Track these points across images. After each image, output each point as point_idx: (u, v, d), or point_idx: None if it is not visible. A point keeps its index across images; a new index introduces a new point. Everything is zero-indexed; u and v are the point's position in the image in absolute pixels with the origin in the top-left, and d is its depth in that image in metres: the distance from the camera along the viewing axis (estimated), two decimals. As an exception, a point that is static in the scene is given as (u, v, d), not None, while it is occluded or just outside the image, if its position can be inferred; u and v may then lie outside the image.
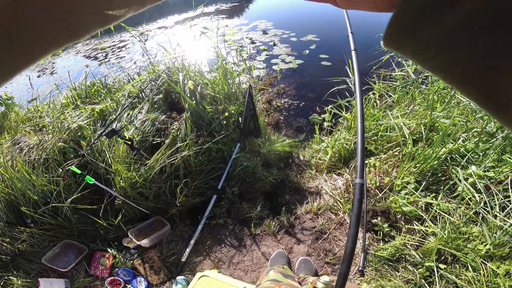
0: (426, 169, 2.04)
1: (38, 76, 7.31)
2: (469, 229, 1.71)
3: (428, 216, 1.86)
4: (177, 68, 2.80)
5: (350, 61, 2.73)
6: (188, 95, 2.44)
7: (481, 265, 1.58)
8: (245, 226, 2.37)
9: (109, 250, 2.25)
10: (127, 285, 2.07)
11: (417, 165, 2.07)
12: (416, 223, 1.93)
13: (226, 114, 2.50)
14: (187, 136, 2.34)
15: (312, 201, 2.47)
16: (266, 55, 5.36)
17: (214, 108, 2.54)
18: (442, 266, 1.68)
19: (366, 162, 2.41)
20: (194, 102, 2.41)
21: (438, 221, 1.83)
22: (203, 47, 3.00)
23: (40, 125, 2.72)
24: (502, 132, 2.01)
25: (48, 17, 0.19)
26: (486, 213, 1.70)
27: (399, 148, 2.27)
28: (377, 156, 2.41)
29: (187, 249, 2.14)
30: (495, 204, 1.70)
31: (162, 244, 2.27)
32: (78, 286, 2.08)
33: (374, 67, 3.89)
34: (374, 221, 2.05)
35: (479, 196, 1.77)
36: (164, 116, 2.55)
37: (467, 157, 1.95)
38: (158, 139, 2.43)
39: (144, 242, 2.16)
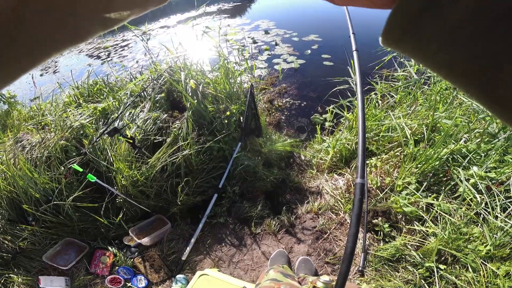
0: (427, 169, 2.04)
1: (41, 75, 7.34)
2: (470, 230, 1.70)
3: (429, 216, 1.86)
4: (179, 67, 2.81)
5: (352, 61, 2.73)
6: (190, 94, 2.45)
7: (481, 266, 1.58)
8: (245, 225, 2.37)
9: (109, 248, 2.26)
10: (127, 283, 2.08)
11: (419, 165, 2.07)
12: (417, 223, 1.92)
13: (228, 113, 2.51)
14: (188, 135, 2.34)
15: (313, 200, 2.47)
16: (268, 54, 5.36)
17: (215, 107, 2.54)
18: (442, 266, 1.68)
19: (367, 162, 2.40)
20: (196, 101, 2.42)
21: (439, 221, 1.83)
22: (205, 46, 3.00)
23: (42, 123, 2.74)
24: (504, 133, 2.00)
25: (49, 18, 0.19)
26: (487, 214, 1.70)
27: (400, 148, 2.27)
28: (379, 157, 2.41)
29: (188, 248, 2.14)
30: (496, 205, 1.69)
31: (163, 242, 2.28)
32: (78, 284, 2.09)
33: (376, 67, 3.89)
34: (374, 221, 2.04)
35: (480, 197, 1.77)
36: (165, 115, 2.56)
37: (468, 157, 1.94)
38: (160, 137, 2.44)
39: (145, 241, 2.16)
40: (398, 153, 2.28)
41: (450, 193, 1.96)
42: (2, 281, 2.04)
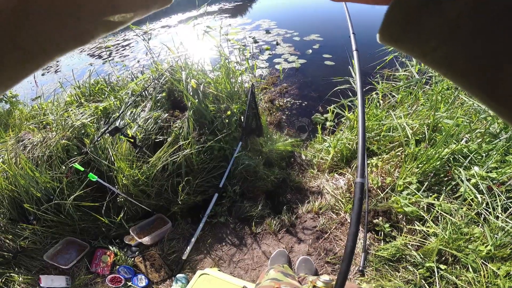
0: (428, 169, 2.03)
1: (43, 74, 7.35)
2: (471, 230, 1.70)
3: (430, 216, 1.85)
4: (180, 66, 2.81)
5: (352, 61, 2.70)
6: (191, 93, 2.45)
7: (482, 266, 1.57)
8: (246, 225, 2.37)
9: (110, 247, 2.26)
10: (127, 283, 2.08)
11: (420, 165, 2.07)
12: (418, 223, 1.92)
13: (229, 113, 2.51)
14: (189, 135, 2.34)
15: (314, 200, 2.47)
16: (269, 54, 5.36)
17: (216, 106, 2.54)
18: (442, 266, 1.68)
19: (368, 162, 2.40)
20: (197, 100, 2.42)
21: (440, 221, 1.82)
22: (206, 46, 3.00)
23: (44, 122, 2.74)
24: (505, 133, 1.99)
25: (51, 21, 0.18)
26: (488, 214, 1.69)
27: (401, 148, 2.27)
28: (380, 156, 2.40)
29: (188, 247, 2.14)
30: (497, 205, 1.69)
31: (163, 242, 2.28)
32: (79, 283, 2.09)
33: (378, 67, 3.88)
34: (375, 221, 2.04)
35: (481, 197, 1.76)
36: (166, 114, 2.56)
37: (470, 157, 1.94)
38: (161, 137, 2.44)
39: (146, 240, 2.17)
40: (399, 153, 2.28)
41: (451, 193, 1.96)
42: (3, 280, 2.04)
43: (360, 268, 1.89)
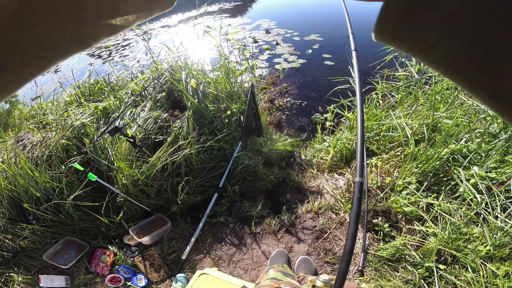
0: (428, 169, 2.04)
1: (42, 74, 7.34)
2: (470, 230, 1.70)
3: (429, 216, 1.86)
4: (180, 66, 2.81)
5: (352, 61, 2.69)
6: (191, 93, 2.45)
7: (481, 266, 1.57)
8: (245, 225, 2.37)
9: (110, 247, 2.26)
10: (127, 283, 2.08)
11: (419, 165, 2.07)
12: (417, 223, 1.92)
13: (228, 112, 2.51)
14: (189, 134, 2.34)
15: (313, 200, 2.47)
16: (269, 54, 5.35)
17: (216, 106, 2.54)
18: (441, 266, 1.68)
19: (368, 162, 2.40)
20: (197, 100, 2.42)
21: (439, 221, 1.83)
22: (206, 46, 3.00)
23: (43, 122, 2.74)
24: (505, 133, 2.00)
25: (54, 24, 0.18)
26: (487, 214, 1.70)
27: (401, 148, 2.27)
28: (379, 156, 2.41)
29: (188, 247, 2.14)
30: (497, 205, 1.69)
31: (163, 241, 2.28)
32: (78, 283, 2.09)
33: (378, 67, 3.88)
34: (374, 221, 2.04)
35: (480, 197, 1.76)
36: (166, 114, 2.56)
37: (469, 157, 1.94)
38: (160, 137, 2.44)
39: (145, 240, 2.17)
40: (398, 153, 2.28)
41: (451, 193, 1.96)
42: (2, 280, 2.04)
43: (360, 268, 1.90)
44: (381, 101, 2.99)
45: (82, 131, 2.52)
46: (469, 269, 1.60)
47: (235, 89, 2.89)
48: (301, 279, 1.46)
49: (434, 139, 2.17)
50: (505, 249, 1.57)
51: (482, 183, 1.78)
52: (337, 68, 4.43)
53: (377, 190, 2.20)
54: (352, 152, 2.61)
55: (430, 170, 2.03)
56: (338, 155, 2.69)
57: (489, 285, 1.51)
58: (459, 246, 1.67)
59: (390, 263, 1.86)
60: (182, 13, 10.19)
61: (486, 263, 1.57)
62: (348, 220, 2.23)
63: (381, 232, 2.02)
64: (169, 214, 2.41)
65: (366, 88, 3.39)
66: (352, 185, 2.35)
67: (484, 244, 1.62)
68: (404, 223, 1.99)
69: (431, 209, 1.88)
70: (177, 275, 2.03)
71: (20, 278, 2.06)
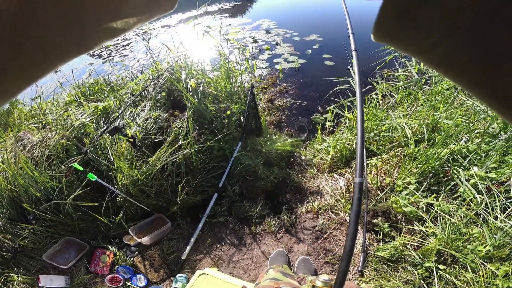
0: (427, 169, 2.04)
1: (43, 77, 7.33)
2: (470, 230, 1.70)
3: (429, 216, 1.86)
4: (180, 66, 2.81)
5: (352, 61, 2.68)
6: (191, 93, 2.45)
7: (481, 266, 1.57)
8: (245, 225, 2.37)
9: (109, 247, 2.26)
10: (127, 283, 2.08)
11: (419, 165, 2.07)
12: (417, 223, 1.92)
13: (228, 112, 2.51)
14: (189, 134, 2.34)
15: (313, 200, 2.47)
16: (269, 54, 5.35)
17: (216, 106, 2.54)
18: (441, 267, 1.68)
19: (368, 162, 2.40)
20: (196, 100, 2.42)
21: (439, 221, 1.83)
22: (206, 46, 3.00)
23: (43, 122, 2.74)
24: (505, 133, 2.00)
25: (54, 26, 0.18)
26: (487, 214, 1.70)
27: (401, 148, 2.27)
28: (379, 157, 2.41)
29: (187, 247, 2.14)
30: (496, 206, 1.69)
31: (163, 241, 2.28)
32: (78, 283, 2.09)
33: (378, 67, 3.88)
34: (374, 221, 2.04)
35: (480, 197, 1.76)
36: (166, 114, 2.56)
37: (469, 158, 1.94)
38: (160, 137, 2.44)
39: (145, 240, 2.17)
40: (398, 153, 2.28)
41: (450, 193, 1.96)
42: (2, 280, 2.04)
43: (359, 268, 1.90)
44: (381, 101, 2.99)
45: (82, 131, 2.52)
46: (469, 269, 1.60)
47: (235, 89, 2.89)
48: (301, 279, 1.46)
49: (434, 140, 2.17)
50: (505, 249, 1.57)
51: (481, 183, 1.78)
52: (337, 68, 4.43)
53: (377, 190, 2.20)
54: (352, 152, 2.61)
55: (430, 170, 2.03)
56: (338, 155, 2.69)
57: (488, 285, 1.51)
58: (459, 246, 1.67)
59: (390, 263, 1.86)
60: (182, 13, 10.19)
61: (485, 263, 1.57)
62: (348, 220, 2.23)
63: (381, 232, 2.02)
64: (169, 214, 2.41)
65: (366, 88, 3.39)
66: (352, 185, 2.35)
67: (484, 245, 1.62)
68: (403, 224, 1.99)
69: (431, 210, 1.88)
70: (177, 275, 2.03)
71: (19, 278, 2.06)
